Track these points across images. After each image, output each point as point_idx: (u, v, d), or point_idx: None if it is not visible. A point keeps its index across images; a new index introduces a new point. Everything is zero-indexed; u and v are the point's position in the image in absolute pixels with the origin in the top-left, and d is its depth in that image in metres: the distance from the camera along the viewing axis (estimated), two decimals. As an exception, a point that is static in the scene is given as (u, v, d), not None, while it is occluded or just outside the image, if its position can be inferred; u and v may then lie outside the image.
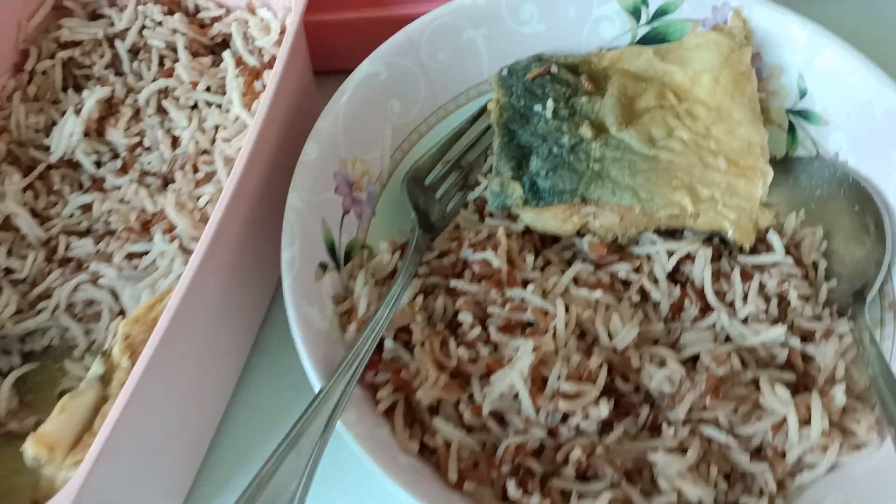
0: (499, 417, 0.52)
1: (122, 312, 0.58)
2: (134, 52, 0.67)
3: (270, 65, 0.62)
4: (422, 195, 0.63)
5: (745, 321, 0.56)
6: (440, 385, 0.51)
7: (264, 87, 0.61)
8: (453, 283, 0.55)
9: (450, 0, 0.64)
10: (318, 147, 0.57)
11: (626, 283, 0.58)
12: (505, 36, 0.66)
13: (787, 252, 0.58)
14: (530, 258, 0.58)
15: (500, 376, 0.51)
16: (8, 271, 0.60)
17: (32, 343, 0.59)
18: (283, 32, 0.61)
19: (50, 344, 0.59)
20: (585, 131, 0.60)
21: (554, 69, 0.64)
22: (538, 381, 0.51)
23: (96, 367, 0.48)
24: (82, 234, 0.62)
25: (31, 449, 0.44)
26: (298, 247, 0.53)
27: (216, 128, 0.62)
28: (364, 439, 0.47)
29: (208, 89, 0.64)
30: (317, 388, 0.48)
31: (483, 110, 0.67)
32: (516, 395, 0.51)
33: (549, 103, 0.61)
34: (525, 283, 0.56)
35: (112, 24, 0.68)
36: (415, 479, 0.46)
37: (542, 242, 0.61)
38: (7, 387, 0.55)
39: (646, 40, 0.67)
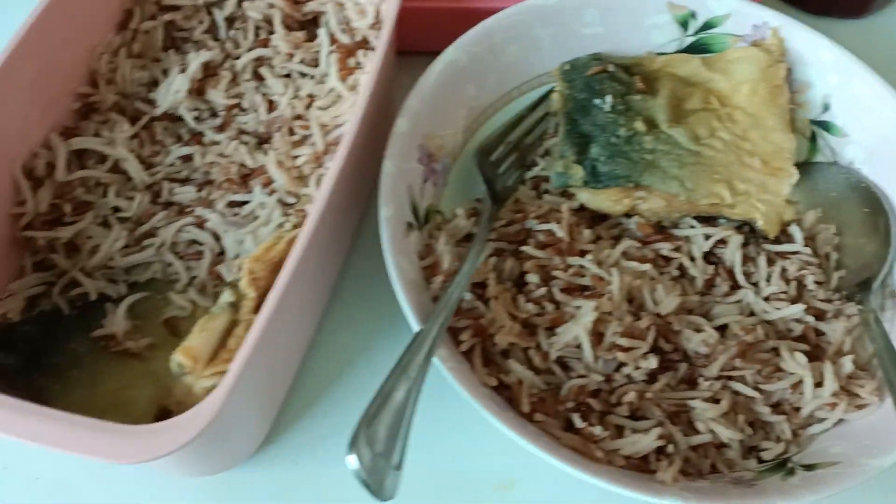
0: (562, 363, 0.60)
1: (221, 253, 0.65)
2: (229, 21, 0.73)
3: (362, 44, 0.69)
4: (488, 169, 0.70)
5: (767, 299, 0.65)
6: (514, 332, 0.59)
7: (357, 63, 0.68)
8: (523, 248, 0.64)
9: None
10: (407, 121, 0.65)
11: (668, 260, 0.67)
12: (568, 35, 0.74)
13: (805, 244, 0.67)
14: (587, 232, 0.66)
15: (565, 329, 0.60)
16: (115, 210, 0.66)
17: (137, 275, 0.65)
18: (377, 16, 0.68)
19: (153, 277, 0.65)
20: (640, 126, 0.68)
21: (611, 68, 0.73)
22: (597, 336, 0.59)
23: (227, 296, 0.55)
24: (182, 181, 0.68)
25: (180, 358, 0.51)
26: (393, 207, 0.61)
27: (310, 96, 0.69)
28: (455, 372, 0.54)
29: (302, 61, 0.70)
30: (415, 329, 0.55)
31: (542, 99, 0.75)
32: (578, 346, 0.59)
33: (608, 98, 0.70)
34: (582, 253, 0.65)
35: (212, -7, 0.74)
36: (496, 407, 0.54)
37: (593, 219, 0.69)
38: (122, 311, 0.61)
39: (691, 49, 0.76)
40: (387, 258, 0.58)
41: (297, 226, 0.62)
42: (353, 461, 0.45)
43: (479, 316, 0.60)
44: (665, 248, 0.67)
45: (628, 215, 0.69)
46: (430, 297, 0.61)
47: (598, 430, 0.55)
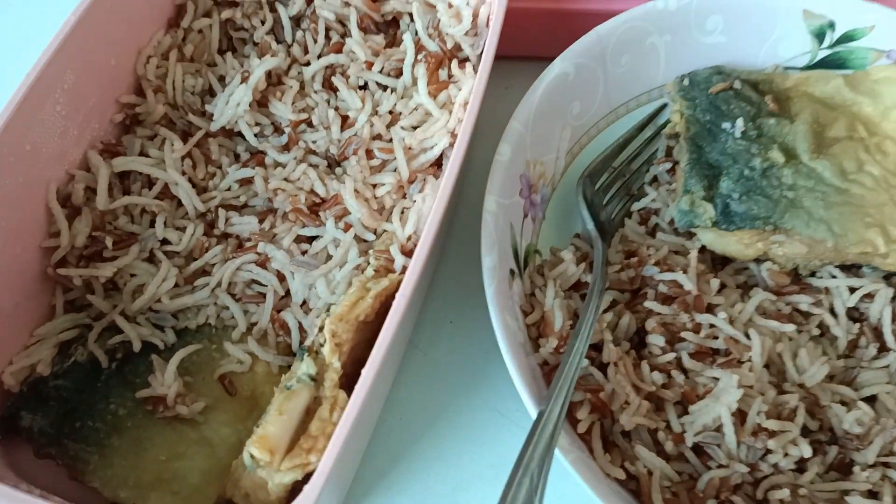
0: (696, 449, 0.50)
1: (286, 295, 0.55)
2: (296, 20, 0.63)
3: (455, 53, 0.59)
4: (594, 199, 0.61)
5: (924, 365, 0.55)
6: (642, 411, 0.50)
7: (450, 76, 0.58)
8: (648, 304, 0.54)
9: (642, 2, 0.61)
10: (510, 148, 0.55)
11: (806, 316, 0.57)
12: (686, 44, 0.64)
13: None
14: (715, 282, 0.56)
15: (702, 407, 0.50)
16: (164, 242, 0.56)
17: (187, 320, 0.55)
18: (475, 22, 0.58)
19: (206, 322, 0.55)
20: (777, 156, 0.58)
21: (737, 85, 0.62)
22: (738, 415, 0.50)
23: (307, 367, 0.45)
24: (240, 209, 0.59)
25: (256, 452, 0.41)
26: (497, 253, 0.51)
27: (391, 113, 0.59)
28: (580, 465, 0.45)
29: (381, 70, 0.60)
30: (533, 412, 0.46)
31: (650, 118, 0.65)
32: (718, 429, 0.49)
33: (739, 122, 0.59)
34: (710, 308, 0.55)
35: (278, -13, 0.64)
36: (627, 509, 0.45)
37: (713, 263, 0.59)
38: (172, 370, 0.52)
39: (823, 64, 0.65)
40: (494, 317, 0.49)
41: (379, 272, 0.52)
42: None
43: (597, 388, 0.50)
44: (803, 302, 0.57)
45: (757, 260, 0.59)
46: (538, 363, 0.51)
47: (747, 539, 0.46)
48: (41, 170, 0.53)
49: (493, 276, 0.50)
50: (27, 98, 0.49)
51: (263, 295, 0.55)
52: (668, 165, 0.63)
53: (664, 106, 0.66)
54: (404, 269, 0.52)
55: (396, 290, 0.48)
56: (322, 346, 0.46)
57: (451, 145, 0.56)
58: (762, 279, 0.58)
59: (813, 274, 0.59)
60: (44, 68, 0.50)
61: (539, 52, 0.63)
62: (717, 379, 0.51)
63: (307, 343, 0.48)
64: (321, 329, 0.47)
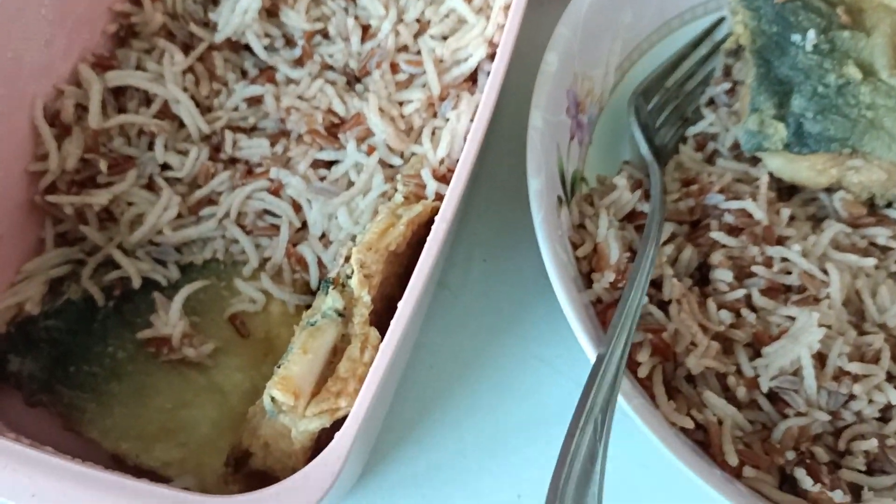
0: (770, 395, 0.44)
1: (302, 227, 0.49)
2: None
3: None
4: (646, 123, 0.54)
5: None
6: (711, 353, 0.44)
7: (483, -22, 0.51)
8: (714, 235, 0.47)
9: None
10: (557, 57, 0.48)
11: (884, 251, 0.51)
12: (748, -52, 0.57)
13: None
14: (785, 212, 0.50)
15: (780, 350, 0.44)
16: (164, 167, 0.50)
17: (191, 254, 0.49)
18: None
19: (213, 258, 0.49)
20: (853, 72, 0.52)
21: (805, -6, 0.55)
22: (817, 358, 0.44)
23: (334, 301, 0.39)
24: (249, 131, 0.52)
25: (279, 395, 0.35)
26: (544, 177, 0.45)
27: (419, 21, 0.52)
28: (644, 412, 0.39)
29: (407, -29, 0.53)
30: (592, 354, 0.40)
31: (707, 32, 0.59)
32: (795, 372, 0.44)
33: (811, 34, 0.53)
34: (781, 240, 0.49)
35: None
36: (694, 458, 0.39)
37: (779, 193, 0.53)
38: (178, 307, 0.46)
39: (899, -28, 0.58)
40: (543, 250, 0.43)
41: (409, 199, 0.46)
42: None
43: (659, 328, 0.44)
44: (881, 235, 0.51)
45: (828, 190, 0.52)
46: (591, 300, 0.45)
47: (838, 497, 0.40)
48: (25, 83, 0.46)
49: (540, 202, 0.43)
50: (6, -4, 0.43)
51: (277, 227, 0.49)
52: (727, 86, 0.57)
53: (721, 20, 0.59)
54: (438, 196, 0.46)
55: (430, 218, 0.42)
56: (349, 277, 0.40)
57: (490, 56, 0.49)
58: (834, 210, 0.52)
59: (890, 205, 0.53)
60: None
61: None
62: (792, 318, 0.45)
63: (331, 275, 0.42)
64: (347, 259, 0.41)
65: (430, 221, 0.40)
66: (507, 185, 0.56)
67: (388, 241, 0.41)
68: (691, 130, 0.56)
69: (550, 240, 0.43)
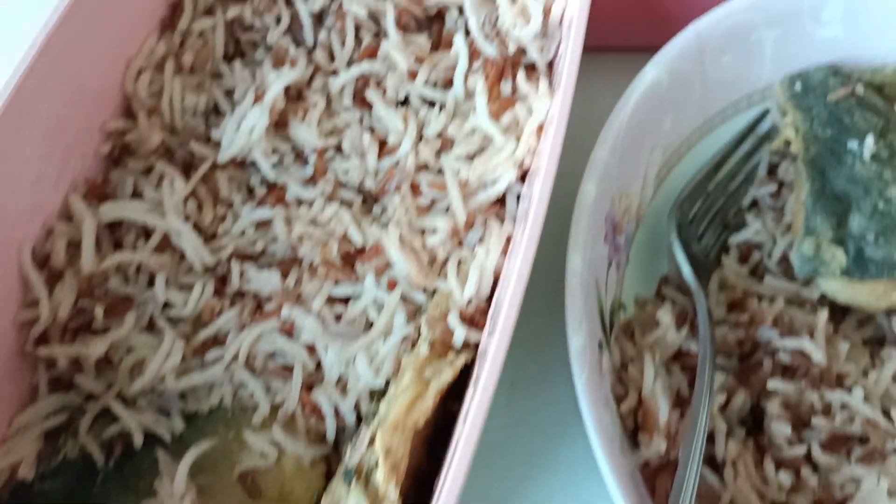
0: (836, 573, 0.40)
1: (317, 368, 0.45)
2: (318, 17, 0.52)
3: (517, 60, 0.47)
4: (687, 239, 0.50)
5: None
6: (772, 530, 0.40)
7: (513, 89, 0.46)
8: (772, 384, 0.43)
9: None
10: (595, 184, 0.44)
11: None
12: (796, 39, 0.52)
13: None
14: (843, 346, 0.46)
15: (849, 525, 0.40)
16: (166, 306, 0.46)
17: (197, 401, 0.45)
18: (547, 18, 0.46)
19: (220, 404, 0.45)
20: (918, 184, 0.47)
21: (859, 90, 0.51)
22: (890, 529, 0.40)
23: (358, 498, 0.35)
24: (257, 257, 0.48)
25: None
26: (586, 329, 0.41)
27: (441, 137, 0.48)
28: None
29: (426, 81, 0.49)
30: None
31: (751, 128, 0.54)
32: (866, 550, 0.40)
33: (869, 140, 0.48)
34: (839, 379, 0.44)
35: (294, -22, 0.52)
36: None
37: (832, 313, 0.49)
38: (183, 475, 0.42)
39: (960, 59, 0.53)
40: (586, 417, 0.38)
41: (435, 348, 0.41)
42: None
43: (713, 498, 0.40)
44: (948, 365, 0.46)
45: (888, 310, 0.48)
46: (637, 464, 0.41)
47: None
48: (11, 229, 0.42)
49: (583, 363, 0.39)
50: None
51: (288, 368, 0.45)
52: (773, 188, 0.52)
53: (766, 113, 0.54)
54: (465, 345, 0.42)
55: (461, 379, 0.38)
56: (374, 468, 0.35)
57: (520, 179, 0.45)
58: (892, 332, 0.48)
59: (955, 329, 0.48)
60: (6, 106, 0.39)
61: (615, 42, 0.51)
62: (857, 481, 0.41)
63: (352, 461, 0.38)
64: (371, 442, 0.37)
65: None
66: (536, 298, 0.52)
67: (417, 417, 0.37)
68: (734, 239, 0.52)
69: (595, 405, 0.39)
